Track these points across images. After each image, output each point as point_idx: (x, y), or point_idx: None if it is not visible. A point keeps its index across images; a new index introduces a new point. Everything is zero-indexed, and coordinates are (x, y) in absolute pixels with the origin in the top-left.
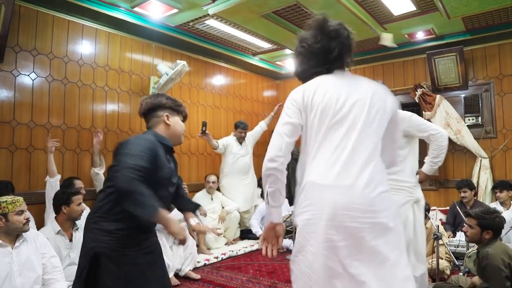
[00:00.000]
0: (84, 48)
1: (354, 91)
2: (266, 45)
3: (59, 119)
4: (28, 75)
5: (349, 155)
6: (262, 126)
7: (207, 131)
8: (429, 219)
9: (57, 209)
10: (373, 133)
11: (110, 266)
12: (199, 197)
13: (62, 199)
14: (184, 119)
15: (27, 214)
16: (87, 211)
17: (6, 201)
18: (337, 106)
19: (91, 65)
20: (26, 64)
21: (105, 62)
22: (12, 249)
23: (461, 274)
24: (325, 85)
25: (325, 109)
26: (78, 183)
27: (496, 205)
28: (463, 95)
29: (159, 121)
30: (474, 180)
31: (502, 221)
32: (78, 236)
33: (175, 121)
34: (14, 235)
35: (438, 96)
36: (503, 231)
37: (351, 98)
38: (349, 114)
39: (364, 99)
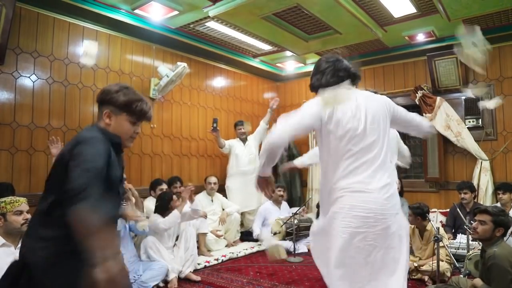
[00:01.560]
0: (85, 50)
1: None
2: (266, 47)
3: (59, 121)
4: (29, 77)
5: None
6: (262, 125)
7: (217, 128)
8: (429, 221)
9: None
10: None
11: None
12: (200, 199)
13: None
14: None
15: (27, 215)
16: None
17: (5, 201)
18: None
19: (91, 67)
20: (26, 66)
21: (106, 64)
22: (15, 249)
23: (461, 276)
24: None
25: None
26: None
27: None
28: (463, 97)
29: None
30: (475, 182)
31: (510, 221)
32: None
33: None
34: (16, 235)
35: (438, 98)
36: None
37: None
38: None
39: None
